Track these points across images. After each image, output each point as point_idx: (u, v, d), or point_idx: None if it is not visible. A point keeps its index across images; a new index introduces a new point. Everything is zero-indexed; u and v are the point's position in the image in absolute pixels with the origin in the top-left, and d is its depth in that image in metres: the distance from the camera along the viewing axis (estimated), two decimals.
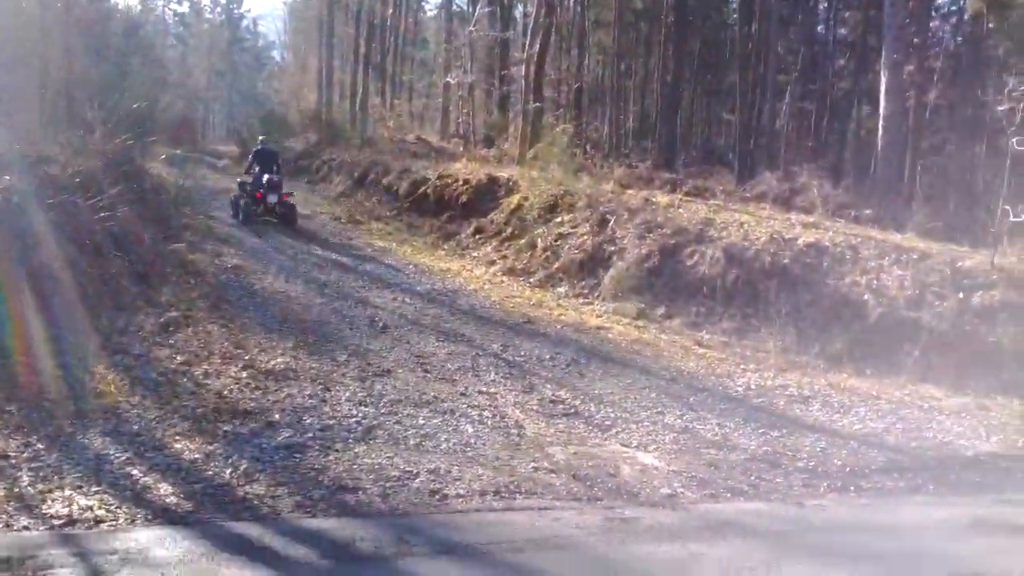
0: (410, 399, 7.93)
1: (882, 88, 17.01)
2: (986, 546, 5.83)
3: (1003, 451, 7.94)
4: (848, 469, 7.12)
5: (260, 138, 21.24)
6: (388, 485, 5.97)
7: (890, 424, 8.47)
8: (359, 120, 32.84)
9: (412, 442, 6.88)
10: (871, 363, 10.36)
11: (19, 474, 5.66)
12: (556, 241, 14.62)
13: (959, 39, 26.42)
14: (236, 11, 72.87)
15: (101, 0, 43.45)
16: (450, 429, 7.26)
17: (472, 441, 7.02)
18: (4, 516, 5.07)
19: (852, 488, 6.75)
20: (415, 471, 6.24)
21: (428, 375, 8.82)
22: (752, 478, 6.74)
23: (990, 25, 23.14)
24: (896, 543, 5.78)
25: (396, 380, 8.49)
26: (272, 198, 17.59)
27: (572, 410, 8.10)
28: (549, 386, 8.78)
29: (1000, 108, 12.83)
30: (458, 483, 6.10)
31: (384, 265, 14.66)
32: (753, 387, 9.44)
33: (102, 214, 11.16)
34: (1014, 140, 11.57)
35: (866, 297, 10.98)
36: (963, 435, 8.28)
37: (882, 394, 9.42)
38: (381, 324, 10.65)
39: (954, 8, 28.42)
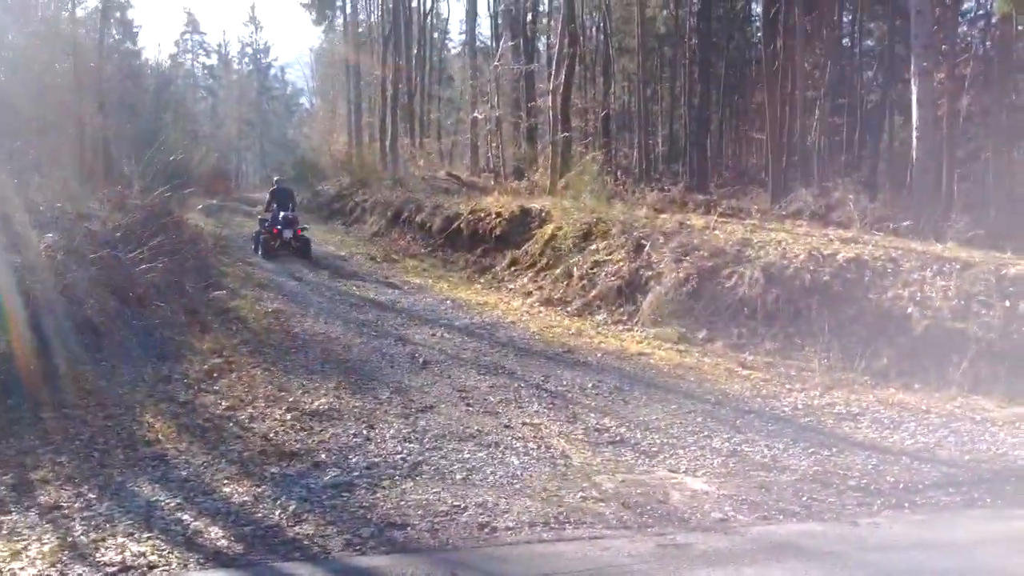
0: (454, 433, 7.91)
1: (913, 98, 16.82)
2: None
3: None
4: (902, 486, 6.96)
5: (275, 178, 22.70)
6: (437, 520, 5.94)
7: (942, 438, 8.29)
8: (390, 160, 33.23)
9: (459, 476, 6.86)
10: (919, 377, 10.16)
11: (72, 524, 5.72)
12: (592, 269, 14.60)
13: (988, 44, 26.10)
14: (263, 60, 74.26)
15: (132, 58, 44.71)
16: (496, 462, 7.22)
17: (519, 473, 6.98)
18: (59, 565, 5.12)
19: (907, 505, 6.59)
20: (463, 505, 6.21)
21: (471, 409, 8.80)
22: (804, 499, 6.62)
23: (1020, 27, 22.87)
24: (954, 559, 5.64)
25: (439, 415, 8.49)
26: (288, 233, 19.21)
27: (618, 438, 8.03)
28: (593, 415, 8.72)
29: None
30: (507, 515, 6.06)
31: (421, 302, 14.74)
32: (800, 407, 9.30)
33: (143, 266, 11.38)
34: None
35: (910, 310, 10.80)
36: (1018, 446, 8.04)
37: (932, 408, 9.22)
38: (421, 360, 10.68)
39: (981, 13, 28.13)
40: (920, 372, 10.19)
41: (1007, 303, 10.32)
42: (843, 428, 8.58)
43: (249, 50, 73.88)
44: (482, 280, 17.03)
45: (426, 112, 40.61)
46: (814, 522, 6.21)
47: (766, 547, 5.69)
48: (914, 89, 16.79)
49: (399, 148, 34.33)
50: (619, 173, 24.93)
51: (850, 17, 31.43)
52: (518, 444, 7.70)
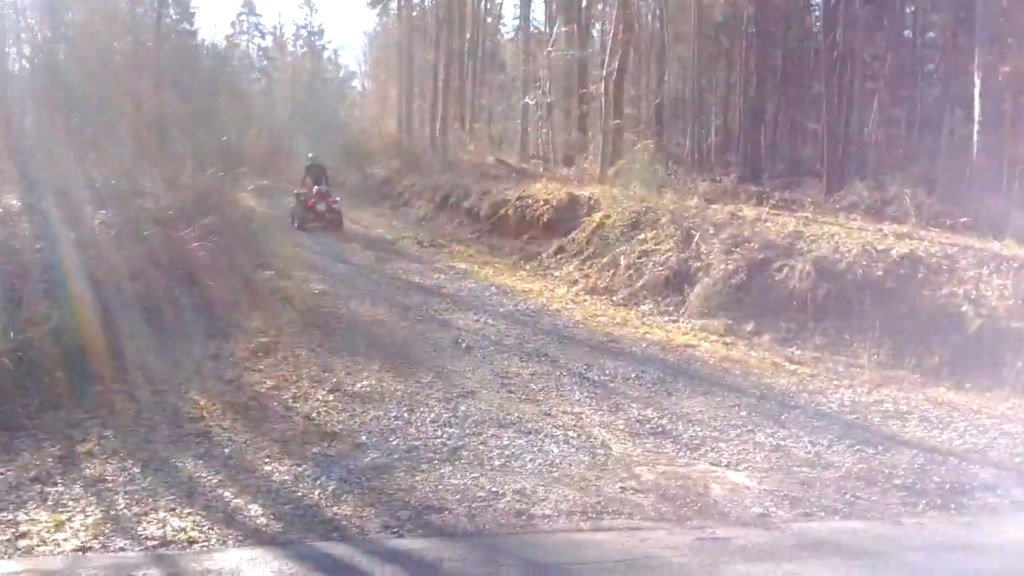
0: (495, 420, 7.90)
1: (976, 91, 16.40)
2: None
3: None
4: (948, 486, 6.80)
5: (309, 155, 24.42)
6: (474, 505, 5.95)
7: (992, 439, 8.07)
8: (439, 145, 33.25)
9: (497, 462, 6.86)
10: (971, 376, 9.90)
11: (116, 497, 5.84)
12: (639, 259, 14.47)
13: None
14: (317, 43, 74.57)
15: (189, 39, 45.26)
16: (535, 449, 7.20)
17: (558, 461, 6.95)
18: (101, 537, 5.23)
19: (953, 506, 6.45)
20: (501, 491, 6.21)
21: (512, 395, 8.78)
22: (847, 496, 6.51)
23: None
24: (1001, 563, 5.53)
25: (480, 401, 8.48)
26: (321, 206, 20.67)
27: (659, 429, 7.96)
28: (635, 405, 8.65)
29: None
30: (544, 503, 6.04)
31: (466, 287, 14.73)
32: (847, 403, 9.13)
33: (194, 244, 11.50)
34: None
35: (964, 308, 10.54)
36: None
37: (983, 408, 8.99)
38: (464, 345, 10.68)
39: None
40: (972, 372, 9.94)
41: None
42: (890, 426, 8.41)
43: (304, 33, 74.14)
44: (528, 267, 16.97)
45: (477, 97, 40.52)
46: (857, 520, 6.12)
47: (807, 544, 5.63)
48: (977, 82, 16.36)
49: (449, 133, 34.35)
50: (671, 162, 24.65)
51: (912, 8, 30.69)
52: (558, 432, 7.67)
